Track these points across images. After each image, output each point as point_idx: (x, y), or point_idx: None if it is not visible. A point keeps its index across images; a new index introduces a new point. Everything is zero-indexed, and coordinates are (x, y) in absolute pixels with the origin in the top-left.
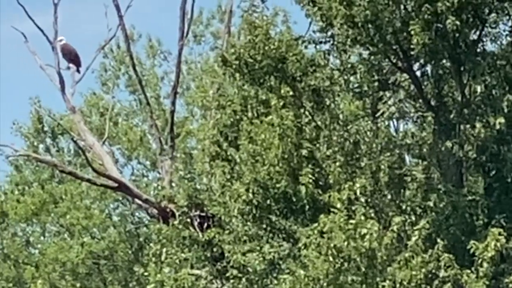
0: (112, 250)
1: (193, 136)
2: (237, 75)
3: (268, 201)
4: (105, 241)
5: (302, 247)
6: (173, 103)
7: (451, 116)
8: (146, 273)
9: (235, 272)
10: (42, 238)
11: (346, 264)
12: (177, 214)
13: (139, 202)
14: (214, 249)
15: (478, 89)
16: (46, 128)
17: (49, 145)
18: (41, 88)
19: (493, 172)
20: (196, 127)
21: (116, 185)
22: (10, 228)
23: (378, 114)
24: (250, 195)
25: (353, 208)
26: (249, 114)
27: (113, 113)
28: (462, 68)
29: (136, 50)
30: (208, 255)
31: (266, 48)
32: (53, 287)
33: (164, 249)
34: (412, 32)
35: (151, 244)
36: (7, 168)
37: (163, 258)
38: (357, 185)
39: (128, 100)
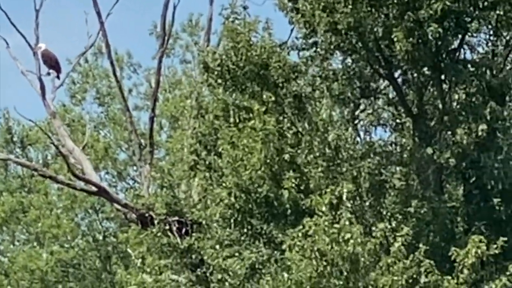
0: (80, 258)
1: (162, 147)
2: (219, 81)
3: (250, 206)
4: (74, 249)
5: (287, 249)
6: (153, 110)
7: (432, 123)
8: (128, 276)
9: (219, 276)
10: (11, 246)
11: (329, 268)
12: (155, 221)
13: (118, 206)
14: (194, 256)
15: (459, 96)
16: (15, 139)
17: (18, 155)
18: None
19: (473, 179)
20: (164, 139)
21: (95, 189)
22: None
23: (358, 120)
24: (232, 199)
25: (336, 213)
26: (231, 120)
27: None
28: (443, 76)
29: (104, 63)
30: (188, 261)
31: (249, 54)
32: None
33: (138, 252)
34: (395, 39)
35: (128, 250)
36: None
37: (139, 262)
38: (344, 190)
39: (96, 112)
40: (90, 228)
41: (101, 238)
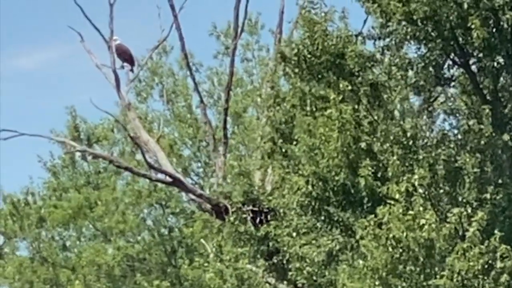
0: (146, 253)
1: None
2: (296, 70)
3: (327, 194)
4: (140, 244)
5: (360, 238)
6: (227, 101)
7: (506, 110)
8: (205, 264)
9: (297, 264)
10: (78, 242)
11: (404, 254)
12: (231, 210)
13: (193, 197)
14: (270, 244)
15: None
16: (82, 136)
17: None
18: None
19: None
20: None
21: (170, 180)
22: (48, 232)
23: (433, 108)
24: (310, 187)
25: (411, 200)
26: (307, 109)
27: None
28: None
29: (169, 62)
30: (264, 249)
31: (325, 43)
32: None
33: (216, 241)
34: (473, 27)
35: (202, 241)
36: (44, 175)
37: (214, 251)
38: (416, 176)
39: (160, 110)
40: (156, 223)
41: (166, 232)
